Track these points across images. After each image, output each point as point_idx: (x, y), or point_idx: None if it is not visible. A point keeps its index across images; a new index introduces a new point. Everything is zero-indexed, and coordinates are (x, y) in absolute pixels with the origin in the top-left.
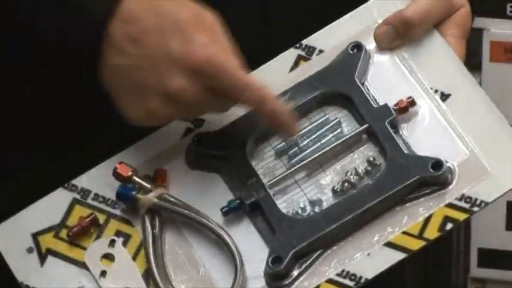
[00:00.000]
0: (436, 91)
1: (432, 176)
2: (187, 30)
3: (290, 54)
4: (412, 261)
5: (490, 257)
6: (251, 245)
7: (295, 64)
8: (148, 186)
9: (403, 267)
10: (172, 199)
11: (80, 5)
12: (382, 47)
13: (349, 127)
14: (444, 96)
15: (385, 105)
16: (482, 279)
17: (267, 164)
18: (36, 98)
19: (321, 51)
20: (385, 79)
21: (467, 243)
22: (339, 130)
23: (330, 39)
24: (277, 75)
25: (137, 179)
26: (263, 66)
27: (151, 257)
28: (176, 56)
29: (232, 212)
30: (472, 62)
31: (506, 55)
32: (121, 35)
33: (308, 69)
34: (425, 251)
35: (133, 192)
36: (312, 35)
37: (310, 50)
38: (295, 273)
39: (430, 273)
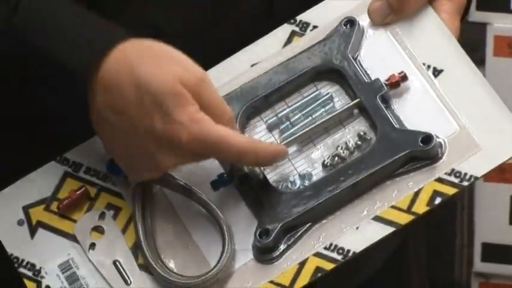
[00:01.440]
0: (428, 67)
1: (422, 150)
2: (167, 107)
3: (284, 30)
4: (416, 256)
5: (494, 252)
6: (240, 218)
7: (289, 40)
8: None
9: (407, 263)
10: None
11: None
12: (375, 23)
13: (340, 102)
14: (436, 72)
15: (377, 79)
16: (486, 273)
17: (258, 137)
18: None
19: (315, 26)
20: (378, 54)
21: (470, 237)
22: (330, 105)
23: (324, 15)
24: (270, 50)
25: None
26: (257, 41)
27: (141, 231)
28: (160, 135)
29: (222, 186)
30: (476, 57)
31: (509, 49)
32: (104, 104)
33: (302, 44)
34: (428, 244)
35: None
36: (307, 11)
37: (304, 26)
38: (282, 246)
39: (433, 267)
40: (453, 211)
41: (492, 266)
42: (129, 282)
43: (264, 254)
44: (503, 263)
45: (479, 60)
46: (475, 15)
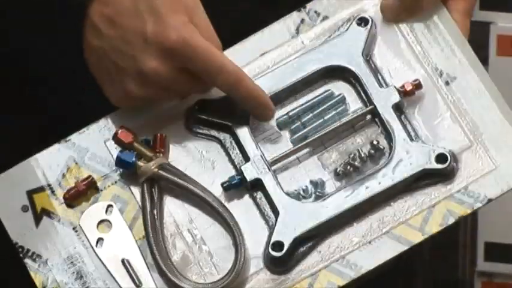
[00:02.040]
0: (441, 73)
1: (436, 168)
2: (162, 12)
3: (292, 18)
4: (420, 255)
5: (497, 251)
6: (251, 221)
7: (298, 29)
8: (149, 154)
9: (411, 263)
10: (172, 169)
11: None
12: (388, 20)
13: (353, 103)
14: (449, 79)
15: (392, 87)
16: (489, 272)
17: (269, 135)
18: None
19: (325, 17)
20: (392, 55)
21: (473, 237)
22: (342, 107)
23: (335, 6)
24: (279, 39)
25: (138, 146)
26: (264, 29)
27: (150, 230)
28: (150, 37)
29: (232, 188)
30: (479, 56)
31: None
32: (99, 16)
33: (312, 36)
34: (431, 245)
35: (134, 160)
36: (317, 0)
37: (314, 16)
38: (295, 258)
39: (436, 267)
40: None
41: (495, 265)
42: (138, 284)
43: (276, 265)
44: (506, 262)
45: (482, 60)
46: (479, 15)
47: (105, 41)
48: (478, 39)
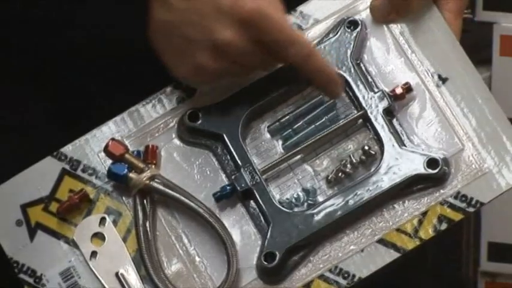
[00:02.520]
0: (433, 74)
1: (427, 173)
2: None
3: None
4: (422, 254)
5: (500, 251)
6: (244, 231)
7: None
8: (141, 165)
9: (414, 263)
10: (164, 181)
11: None
12: (377, 20)
13: (344, 109)
14: (442, 80)
15: (382, 92)
16: (492, 273)
17: (260, 143)
18: None
19: (316, 20)
20: (382, 58)
21: (477, 236)
22: (333, 112)
23: (326, 8)
24: None
25: (129, 158)
26: None
27: (143, 243)
28: (224, 8)
29: (224, 198)
30: (482, 56)
31: None
32: None
33: None
34: (434, 244)
35: (125, 172)
36: (307, 2)
37: (305, 18)
38: (288, 267)
39: (440, 267)
40: None
41: (498, 265)
42: None
43: (269, 275)
44: (510, 262)
45: (485, 60)
46: (482, 15)
47: (176, 14)
48: (481, 39)
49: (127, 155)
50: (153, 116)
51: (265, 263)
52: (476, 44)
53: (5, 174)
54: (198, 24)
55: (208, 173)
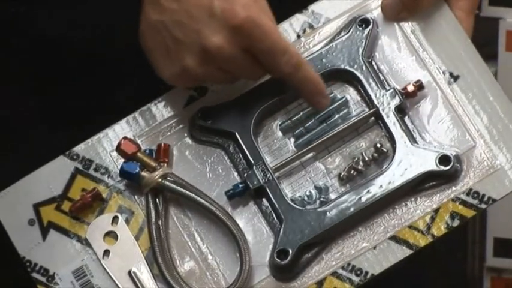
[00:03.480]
0: (444, 72)
1: (439, 170)
2: None
3: (296, 20)
4: (431, 251)
5: (506, 247)
6: (257, 229)
7: (300, 32)
8: (153, 164)
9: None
10: (176, 179)
11: None
12: (388, 18)
13: (355, 106)
14: (453, 78)
15: (393, 89)
16: (498, 268)
17: (272, 141)
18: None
19: (327, 19)
20: (393, 56)
21: (482, 232)
22: (345, 111)
23: (337, 7)
24: None
25: (141, 156)
26: None
27: (155, 241)
28: (217, 13)
29: (236, 196)
30: (488, 52)
31: None
32: None
33: (314, 41)
34: (440, 240)
35: (137, 170)
36: (319, 1)
37: (316, 17)
38: (300, 264)
39: (445, 262)
40: None
41: (504, 261)
42: None
43: (282, 273)
44: None
45: (491, 55)
46: (488, 10)
47: (167, 15)
48: (487, 35)
49: (139, 154)
50: (165, 115)
51: (278, 260)
52: (482, 40)
53: (6, 175)
54: (188, 26)
55: (220, 171)
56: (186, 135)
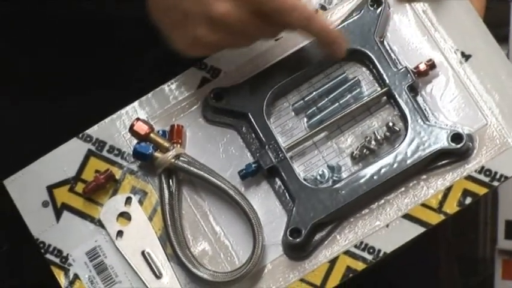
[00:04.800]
0: (456, 51)
1: (451, 148)
2: None
3: (309, 2)
4: (443, 234)
5: None
6: (269, 209)
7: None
8: (166, 144)
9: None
10: (189, 160)
11: None
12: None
13: (368, 86)
14: (465, 57)
15: (405, 68)
16: (510, 251)
17: (285, 122)
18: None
19: (340, 0)
20: (405, 36)
21: (494, 215)
22: (357, 90)
23: None
24: None
25: (154, 137)
26: None
27: (169, 221)
28: None
29: (249, 176)
30: (500, 34)
31: None
32: None
33: (326, 20)
34: (452, 222)
35: (150, 151)
36: None
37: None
38: (313, 243)
39: (457, 244)
40: None
41: None
42: (159, 275)
43: (295, 251)
44: None
45: (503, 37)
46: None
47: None
48: (498, 16)
49: (152, 135)
50: (178, 97)
51: (291, 238)
52: (494, 22)
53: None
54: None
55: (233, 151)
56: (199, 116)
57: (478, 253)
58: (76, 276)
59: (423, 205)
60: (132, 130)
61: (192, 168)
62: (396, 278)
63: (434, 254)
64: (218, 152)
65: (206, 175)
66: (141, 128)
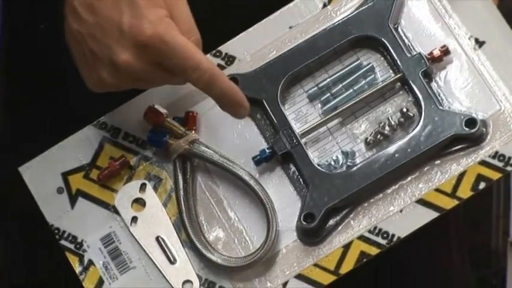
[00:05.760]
0: (470, 37)
1: (466, 133)
2: (140, 4)
3: None
4: (455, 227)
5: None
6: (283, 195)
7: (326, 1)
8: (180, 131)
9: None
10: (203, 146)
11: None
12: None
13: (382, 72)
14: (479, 44)
15: (419, 54)
16: None
17: (299, 108)
18: None
19: None
20: (420, 23)
21: (507, 207)
22: (372, 76)
23: None
24: (308, 11)
25: (169, 123)
26: (294, 1)
27: (183, 207)
28: (125, 30)
29: (263, 162)
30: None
31: None
32: (79, 1)
33: (341, 9)
34: (464, 215)
35: (165, 138)
36: None
37: None
38: (327, 228)
39: (470, 238)
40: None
41: None
42: (173, 260)
43: (309, 236)
44: None
45: None
46: None
47: (84, 26)
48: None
49: (167, 121)
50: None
51: (305, 223)
52: (510, 14)
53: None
54: (100, 40)
55: (247, 138)
56: (213, 103)
57: (491, 246)
58: (90, 262)
59: (437, 190)
60: (146, 116)
61: (206, 154)
62: (408, 270)
63: (446, 245)
64: (233, 139)
65: (220, 161)
66: (156, 115)
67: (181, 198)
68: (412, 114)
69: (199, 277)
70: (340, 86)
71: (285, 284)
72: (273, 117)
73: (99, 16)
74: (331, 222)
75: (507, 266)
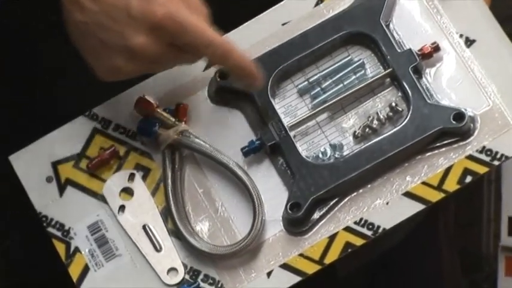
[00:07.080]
0: (461, 36)
1: (454, 127)
2: None
3: None
4: (445, 229)
5: None
6: (271, 186)
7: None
8: (170, 121)
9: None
10: (193, 136)
11: None
12: None
13: (372, 69)
14: (469, 42)
15: (409, 50)
16: None
17: (289, 102)
18: None
19: None
20: (411, 21)
21: (497, 211)
22: (362, 72)
23: None
24: (301, 9)
25: (159, 114)
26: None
27: (170, 196)
28: (135, 13)
29: (252, 153)
30: (508, 14)
31: None
32: None
33: (334, 5)
34: (455, 219)
35: (155, 128)
36: None
37: None
38: (313, 219)
39: (460, 241)
40: (480, 185)
41: None
42: (159, 248)
43: (294, 226)
44: None
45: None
46: None
47: (89, 16)
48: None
49: (157, 111)
50: (184, 78)
51: (291, 212)
52: (506, 14)
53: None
54: (110, 28)
55: (237, 131)
56: (205, 97)
57: (482, 250)
58: (77, 249)
59: (424, 183)
60: (137, 106)
61: (194, 145)
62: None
63: (437, 250)
64: (223, 131)
65: (209, 151)
66: (146, 104)
67: (169, 188)
68: (401, 109)
69: (185, 265)
70: (330, 81)
71: (269, 273)
72: (263, 110)
73: (104, 3)
74: (318, 213)
75: (498, 269)
